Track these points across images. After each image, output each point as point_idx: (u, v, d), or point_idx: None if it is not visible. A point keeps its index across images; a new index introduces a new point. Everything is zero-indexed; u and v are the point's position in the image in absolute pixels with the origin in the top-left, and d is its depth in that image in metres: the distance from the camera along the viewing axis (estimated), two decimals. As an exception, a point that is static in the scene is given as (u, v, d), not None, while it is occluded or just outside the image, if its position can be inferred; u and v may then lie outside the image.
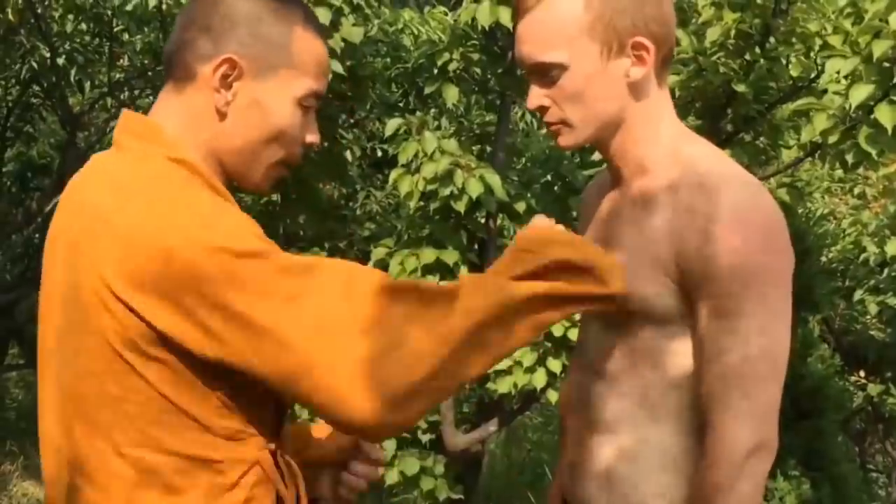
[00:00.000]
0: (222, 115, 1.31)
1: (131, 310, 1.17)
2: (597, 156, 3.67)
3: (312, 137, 1.38)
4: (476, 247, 3.82)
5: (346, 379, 1.15)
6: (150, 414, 1.21)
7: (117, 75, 4.54)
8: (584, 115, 1.44)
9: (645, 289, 1.41)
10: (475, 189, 3.46)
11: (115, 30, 4.37)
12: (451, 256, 3.56)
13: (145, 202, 1.20)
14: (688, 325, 1.40)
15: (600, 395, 1.50)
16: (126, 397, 1.20)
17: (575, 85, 1.42)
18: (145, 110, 4.31)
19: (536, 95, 1.46)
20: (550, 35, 1.41)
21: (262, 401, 1.28)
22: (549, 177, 4.16)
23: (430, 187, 3.51)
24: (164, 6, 3.87)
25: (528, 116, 5.63)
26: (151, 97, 4.71)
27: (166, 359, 1.19)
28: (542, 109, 1.46)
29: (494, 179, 3.47)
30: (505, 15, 3.32)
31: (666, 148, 1.45)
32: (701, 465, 1.38)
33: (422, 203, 3.63)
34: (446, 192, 3.49)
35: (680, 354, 1.42)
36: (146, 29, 4.58)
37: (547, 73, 1.43)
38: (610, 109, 1.44)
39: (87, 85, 4.87)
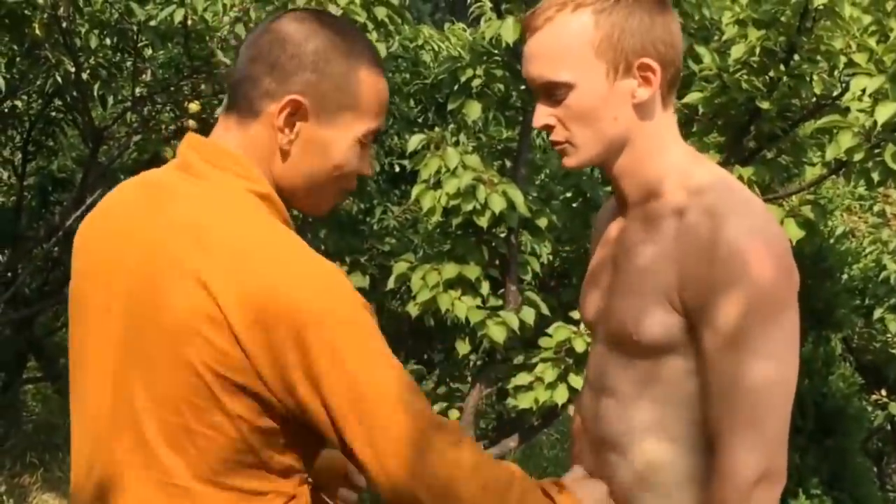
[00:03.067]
0: (285, 154, 1.32)
1: (238, 342, 1.18)
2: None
3: (367, 169, 1.40)
4: (497, 262, 3.82)
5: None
6: (221, 451, 1.22)
7: (139, 90, 4.57)
8: (589, 135, 1.44)
9: (648, 314, 1.40)
10: (498, 204, 3.47)
11: (140, 45, 4.40)
12: (472, 272, 3.56)
13: (265, 244, 1.23)
14: (693, 347, 1.39)
15: (611, 416, 1.49)
16: (202, 431, 1.21)
17: (581, 105, 1.42)
18: (167, 125, 4.33)
19: (543, 114, 1.46)
20: (558, 54, 1.42)
21: (317, 441, 1.30)
22: (569, 193, 4.17)
23: (452, 202, 3.52)
24: (189, 21, 3.90)
25: (546, 133, 5.64)
26: (173, 112, 4.74)
27: (251, 399, 1.21)
28: (548, 128, 1.47)
29: (517, 195, 3.48)
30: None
31: (672, 170, 1.45)
32: (709, 489, 1.37)
33: (442, 218, 3.64)
34: (469, 207, 3.50)
35: (687, 376, 1.41)
36: (169, 45, 4.61)
37: (554, 92, 1.44)
38: (615, 130, 1.44)
39: (110, 100, 4.90)
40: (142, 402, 1.23)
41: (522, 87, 3.71)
